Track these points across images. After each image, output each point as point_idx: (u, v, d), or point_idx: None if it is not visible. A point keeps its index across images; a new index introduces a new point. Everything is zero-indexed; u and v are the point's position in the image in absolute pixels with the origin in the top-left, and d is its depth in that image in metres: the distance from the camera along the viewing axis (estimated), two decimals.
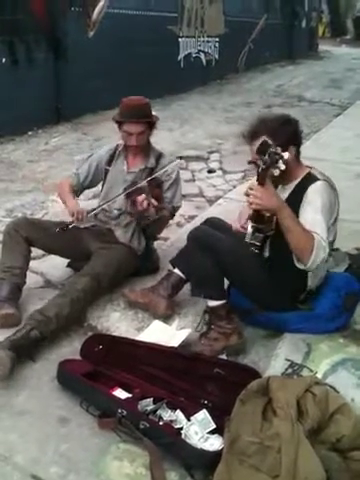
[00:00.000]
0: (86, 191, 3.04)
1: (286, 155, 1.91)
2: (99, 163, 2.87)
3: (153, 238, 2.95)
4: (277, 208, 1.95)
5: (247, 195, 1.97)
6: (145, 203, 2.52)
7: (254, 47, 12.61)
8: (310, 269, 1.99)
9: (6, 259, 2.63)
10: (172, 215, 2.88)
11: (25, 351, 2.26)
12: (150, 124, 2.73)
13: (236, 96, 9.68)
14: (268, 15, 13.28)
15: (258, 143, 1.96)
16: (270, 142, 1.89)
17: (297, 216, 2.02)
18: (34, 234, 2.68)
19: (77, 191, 2.89)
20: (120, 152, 2.86)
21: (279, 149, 1.91)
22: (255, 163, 1.99)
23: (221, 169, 5.36)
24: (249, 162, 2.12)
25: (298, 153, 2.17)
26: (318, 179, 2.09)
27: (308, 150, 5.61)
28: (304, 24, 16.32)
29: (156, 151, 2.88)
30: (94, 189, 3.14)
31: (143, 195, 2.54)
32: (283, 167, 1.91)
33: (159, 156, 2.86)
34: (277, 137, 2.02)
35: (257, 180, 1.93)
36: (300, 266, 1.99)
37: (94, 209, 2.77)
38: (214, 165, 5.51)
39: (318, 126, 7.07)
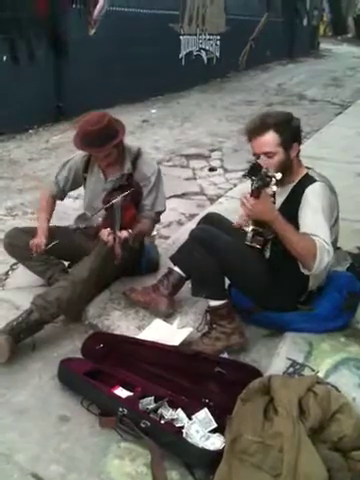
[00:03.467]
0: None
1: (278, 176, 1.92)
2: (76, 170, 2.78)
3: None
4: (271, 221, 1.94)
5: (242, 205, 1.97)
6: (110, 238, 2.45)
7: (255, 45, 12.58)
8: (315, 274, 1.98)
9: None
10: (156, 220, 2.83)
11: (25, 335, 2.29)
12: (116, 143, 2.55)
13: (237, 94, 9.66)
14: (269, 13, 13.23)
15: (264, 138, 1.96)
16: (261, 164, 1.90)
17: (296, 218, 2.01)
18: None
19: (59, 197, 2.88)
20: (94, 160, 2.71)
21: (271, 170, 1.92)
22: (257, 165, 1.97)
23: (222, 167, 5.35)
24: (250, 170, 2.06)
25: (299, 151, 2.16)
26: (316, 180, 2.07)
27: (309, 149, 5.62)
28: (305, 22, 16.27)
29: (132, 151, 2.72)
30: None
31: (107, 230, 2.47)
32: (275, 188, 1.94)
33: (136, 157, 2.71)
34: (283, 132, 2.02)
35: (251, 195, 1.93)
36: (306, 272, 1.97)
37: (59, 228, 2.79)
38: (215, 163, 5.50)
39: (319, 125, 7.06)
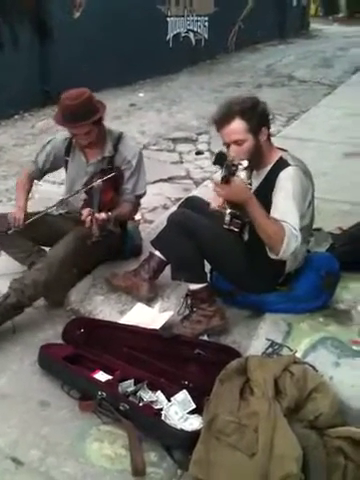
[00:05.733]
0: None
1: (245, 163, 1.93)
2: (57, 152, 2.77)
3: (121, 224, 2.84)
4: (244, 202, 1.94)
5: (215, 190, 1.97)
6: (88, 220, 2.43)
7: (244, 26, 12.45)
8: (283, 258, 2.01)
9: None
10: (137, 204, 2.82)
11: (3, 319, 2.31)
12: (97, 120, 2.54)
13: (226, 76, 9.58)
14: None
15: (231, 126, 1.99)
16: (226, 153, 1.91)
17: (270, 202, 2.02)
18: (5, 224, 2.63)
19: (37, 177, 2.87)
20: (76, 143, 2.70)
21: (237, 158, 1.94)
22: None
23: (209, 151, 5.30)
24: (216, 159, 2.08)
25: (269, 135, 2.15)
26: (289, 164, 2.07)
27: (296, 130, 5.64)
28: (295, 3, 16.08)
29: (114, 134, 2.71)
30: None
31: (87, 210, 2.46)
32: (243, 175, 1.95)
33: (118, 140, 2.69)
34: (250, 118, 2.03)
35: (221, 181, 1.94)
36: (272, 256, 2.00)
37: (39, 212, 2.69)
38: (202, 147, 5.46)
39: (307, 106, 7.02)
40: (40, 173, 2.85)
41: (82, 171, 2.73)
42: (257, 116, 2.05)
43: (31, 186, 2.85)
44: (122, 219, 2.73)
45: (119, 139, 2.71)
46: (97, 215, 2.45)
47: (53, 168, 2.87)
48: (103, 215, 2.47)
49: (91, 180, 2.62)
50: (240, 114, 2.03)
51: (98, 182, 2.54)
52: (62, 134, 2.77)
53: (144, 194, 2.83)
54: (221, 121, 2.07)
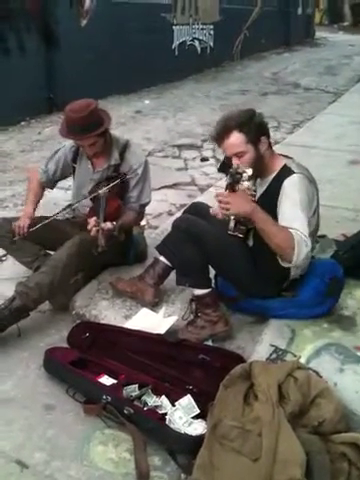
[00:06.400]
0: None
1: (249, 171, 1.95)
2: (65, 160, 2.80)
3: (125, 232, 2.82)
4: (249, 214, 1.94)
5: (218, 201, 1.98)
6: (93, 230, 2.42)
7: (250, 34, 12.53)
8: (296, 265, 1.99)
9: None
10: (141, 212, 2.84)
11: (9, 322, 2.32)
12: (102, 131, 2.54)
13: (231, 84, 9.64)
14: (264, 2, 13.16)
15: (230, 141, 2.03)
16: (231, 160, 1.92)
17: (275, 210, 2.03)
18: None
19: (49, 186, 2.91)
20: (83, 150, 2.72)
21: (242, 166, 1.95)
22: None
23: (214, 157, 5.34)
24: (221, 167, 2.12)
25: (270, 143, 2.17)
26: (294, 172, 2.08)
27: (301, 137, 5.67)
28: (300, 11, 16.18)
29: (120, 143, 2.73)
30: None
31: (93, 219, 2.46)
32: (247, 184, 1.97)
33: (124, 148, 2.71)
34: (248, 130, 2.05)
35: (226, 189, 1.96)
36: (285, 265, 1.99)
37: (45, 218, 2.70)
38: (207, 153, 5.50)
39: (312, 113, 7.06)
40: (51, 182, 2.89)
41: (88, 178, 2.75)
42: (254, 127, 2.08)
43: (42, 195, 2.89)
44: (126, 227, 2.74)
45: (125, 147, 2.72)
46: (103, 225, 2.44)
47: (63, 176, 2.90)
48: (109, 225, 2.47)
49: (97, 187, 2.63)
50: (237, 127, 2.06)
51: (104, 190, 2.56)
52: (70, 142, 2.79)
53: (148, 203, 2.84)
54: (220, 137, 2.11)
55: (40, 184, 2.86)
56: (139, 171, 2.71)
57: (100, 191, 2.57)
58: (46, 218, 2.82)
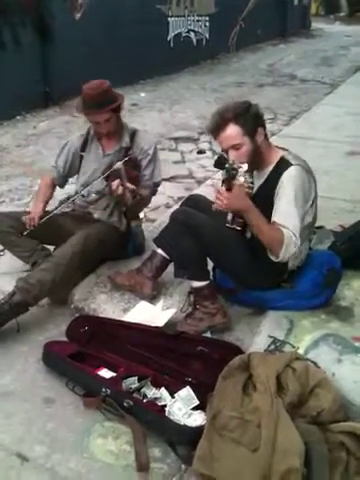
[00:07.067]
0: None
1: (245, 166, 1.97)
2: (74, 151, 2.86)
3: (134, 218, 2.90)
4: (244, 210, 2.00)
5: (216, 198, 2.00)
6: (120, 189, 2.51)
7: (245, 26, 12.45)
8: (282, 261, 2.06)
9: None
10: (154, 191, 2.88)
11: (8, 317, 2.33)
12: (116, 107, 2.67)
13: (227, 76, 9.60)
14: None
15: (226, 133, 2.03)
16: (226, 156, 1.93)
17: (272, 203, 2.05)
18: (15, 224, 2.68)
19: (60, 184, 2.96)
20: (93, 136, 2.82)
21: (237, 162, 1.97)
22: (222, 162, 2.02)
23: (211, 150, 5.33)
24: (216, 163, 2.12)
25: (266, 135, 2.16)
26: (291, 164, 2.08)
27: (298, 129, 5.65)
28: (296, 1, 16.07)
29: (130, 129, 2.83)
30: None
31: (117, 180, 2.52)
32: (243, 179, 1.99)
33: (133, 133, 2.81)
34: (244, 122, 2.05)
35: (222, 185, 1.97)
36: (272, 258, 2.05)
37: (59, 205, 2.78)
38: (204, 146, 5.48)
39: (309, 105, 7.04)
40: (62, 179, 2.95)
41: (98, 163, 2.80)
42: (250, 119, 2.08)
43: (52, 193, 2.94)
44: (142, 203, 2.79)
45: (135, 132, 2.83)
46: (127, 184, 2.52)
47: (73, 169, 2.92)
48: (132, 186, 2.55)
49: (109, 168, 2.66)
50: (233, 119, 2.05)
51: (118, 164, 2.59)
52: (76, 134, 2.89)
53: (160, 182, 2.91)
54: (216, 129, 2.10)
55: (51, 182, 2.91)
56: (150, 152, 2.79)
57: (117, 164, 2.59)
58: (48, 213, 2.83)
